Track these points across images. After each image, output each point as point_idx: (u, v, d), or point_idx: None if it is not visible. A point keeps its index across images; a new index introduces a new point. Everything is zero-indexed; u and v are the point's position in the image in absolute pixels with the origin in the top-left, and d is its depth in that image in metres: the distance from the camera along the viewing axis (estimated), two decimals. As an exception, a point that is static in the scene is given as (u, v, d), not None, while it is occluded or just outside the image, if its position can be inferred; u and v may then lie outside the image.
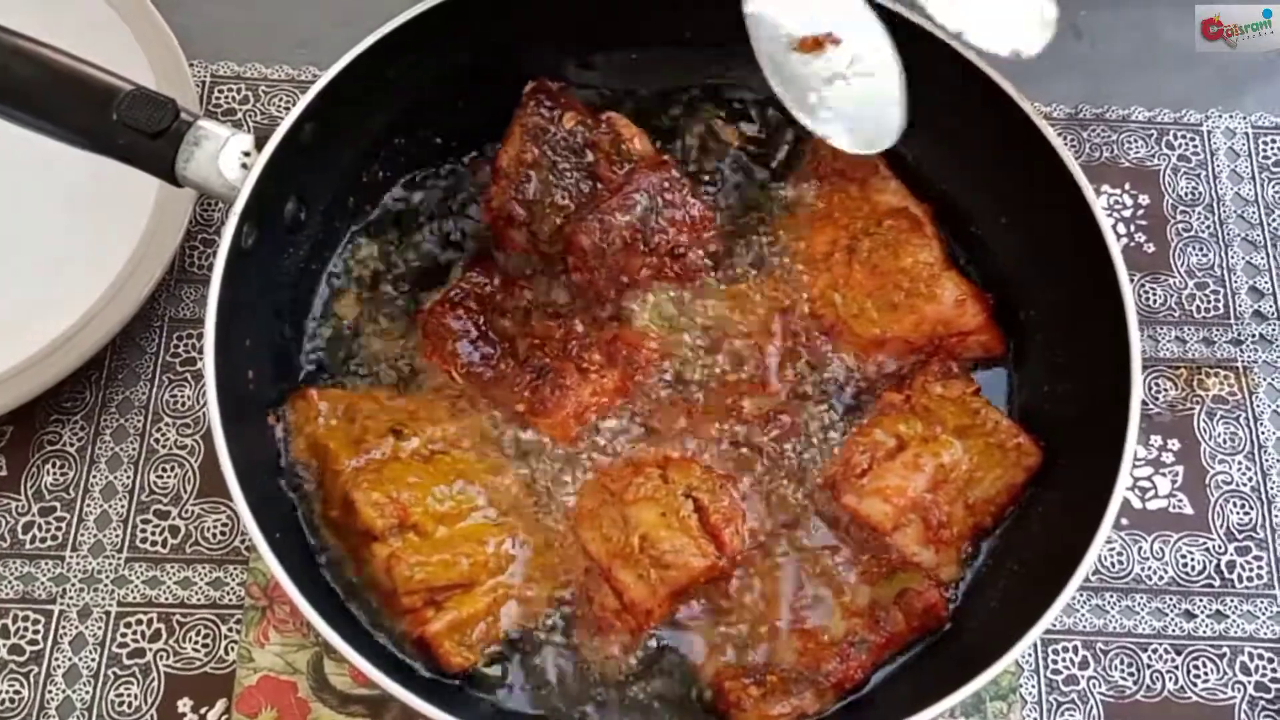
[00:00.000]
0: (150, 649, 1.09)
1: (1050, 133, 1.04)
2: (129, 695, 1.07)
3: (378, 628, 0.99)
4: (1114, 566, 1.15)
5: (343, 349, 1.11)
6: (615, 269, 1.09)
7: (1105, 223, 1.01)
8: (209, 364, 0.93)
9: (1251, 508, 1.17)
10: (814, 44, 0.98)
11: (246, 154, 0.98)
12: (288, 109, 1.03)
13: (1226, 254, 1.29)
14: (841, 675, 0.98)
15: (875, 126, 0.99)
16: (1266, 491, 1.18)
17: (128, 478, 1.15)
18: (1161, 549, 1.16)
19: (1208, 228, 1.30)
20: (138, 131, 0.96)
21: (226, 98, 1.32)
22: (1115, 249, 1.00)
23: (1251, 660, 1.12)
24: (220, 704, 1.07)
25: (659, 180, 1.10)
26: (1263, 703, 1.10)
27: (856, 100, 0.98)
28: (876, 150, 1.03)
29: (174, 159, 0.96)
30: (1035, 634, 0.90)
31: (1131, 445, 0.94)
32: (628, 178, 1.10)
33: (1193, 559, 1.15)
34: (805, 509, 1.05)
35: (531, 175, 1.10)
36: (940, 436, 1.04)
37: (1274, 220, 1.31)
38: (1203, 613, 1.14)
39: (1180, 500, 1.18)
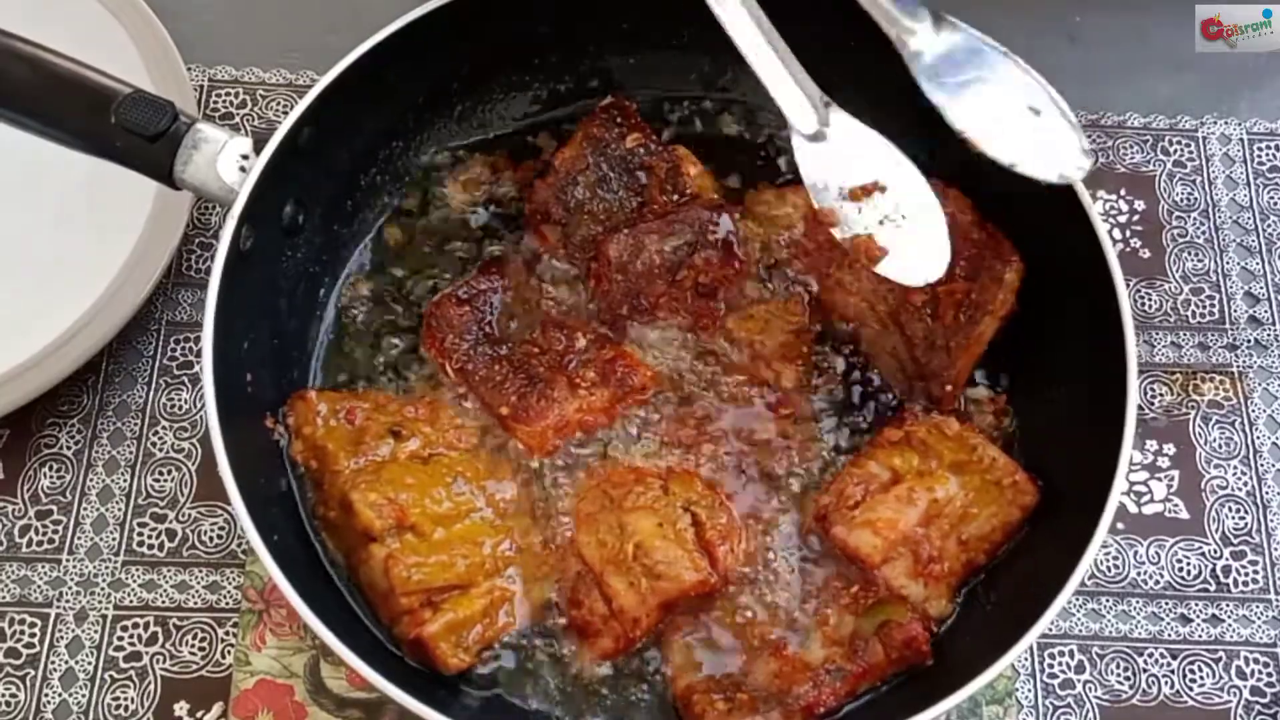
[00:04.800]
0: (147, 652, 1.08)
1: (1046, 138, 1.04)
2: (125, 699, 1.07)
3: (374, 630, 1.00)
4: (1110, 571, 1.15)
5: (342, 350, 1.12)
6: (634, 288, 1.09)
7: (1101, 228, 1.02)
8: (207, 367, 0.93)
9: (1246, 512, 1.18)
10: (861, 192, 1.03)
11: (245, 157, 0.98)
12: (285, 113, 1.04)
13: (1222, 259, 1.29)
14: (811, 700, 0.97)
15: (923, 261, 1.02)
16: (1261, 496, 1.18)
17: (124, 481, 1.14)
18: (1157, 553, 1.16)
19: (1203, 233, 1.30)
20: (136, 134, 0.96)
21: (224, 102, 1.32)
22: (1111, 254, 1.01)
23: (1247, 664, 1.12)
24: (217, 707, 1.07)
25: (709, 218, 1.11)
26: (1258, 707, 1.10)
27: (905, 239, 1.02)
28: (926, 281, 1.02)
29: (172, 162, 0.96)
30: (1032, 637, 0.89)
31: (1127, 450, 0.95)
32: (679, 206, 1.10)
33: (1188, 563, 1.16)
34: (800, 535, 1.04)
35: (580, 180, 1.12)
36: (936, 471, 1.03)
37: (1269, 226, 1.31)
38: (1198, 617, 1.14)
39: (1176, 505, 1.18)
